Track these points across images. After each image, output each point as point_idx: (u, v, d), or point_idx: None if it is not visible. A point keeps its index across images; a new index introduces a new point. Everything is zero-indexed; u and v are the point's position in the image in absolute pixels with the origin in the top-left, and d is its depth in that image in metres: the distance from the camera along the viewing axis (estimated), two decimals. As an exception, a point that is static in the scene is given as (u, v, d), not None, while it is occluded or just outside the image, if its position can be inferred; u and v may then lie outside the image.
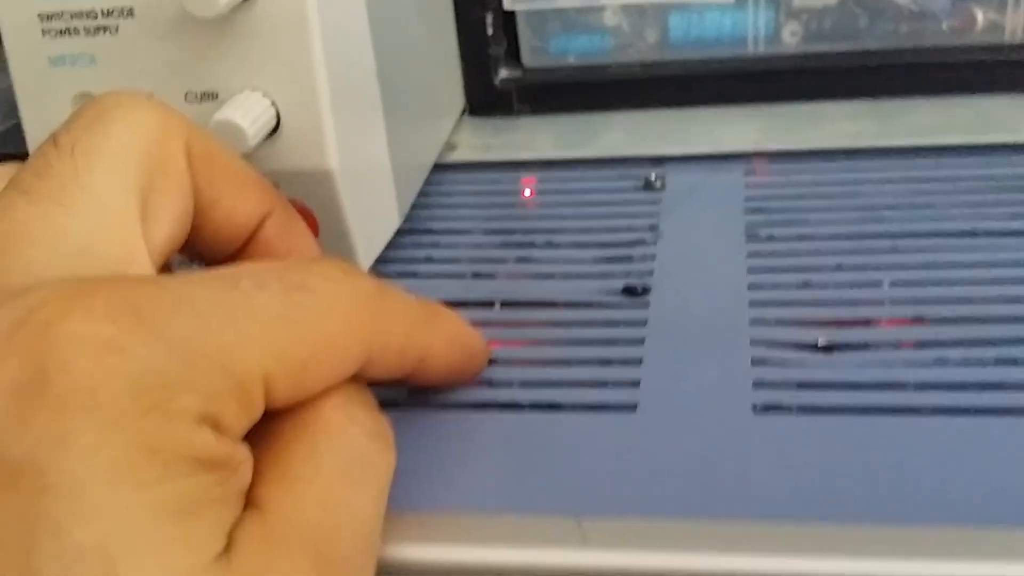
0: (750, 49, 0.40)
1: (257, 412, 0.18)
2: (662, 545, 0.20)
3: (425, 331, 0.23)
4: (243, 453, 0.18)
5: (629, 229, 0.34)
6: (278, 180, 0.28)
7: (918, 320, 0.27)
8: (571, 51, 0.41)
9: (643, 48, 0.41)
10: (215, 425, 0.17)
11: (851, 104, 0.39)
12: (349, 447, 0.20)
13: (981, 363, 0.25)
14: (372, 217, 0.31)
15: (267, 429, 0.20)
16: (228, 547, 0.17)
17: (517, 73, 0.42)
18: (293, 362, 0.19)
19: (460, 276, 0.32)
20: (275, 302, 0.19)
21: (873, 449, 0.22)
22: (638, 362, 0.26)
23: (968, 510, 0.21)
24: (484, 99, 0.42)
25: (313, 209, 0.29)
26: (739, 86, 0.40)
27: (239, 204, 0.24)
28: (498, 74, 0.42)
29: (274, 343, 0.19)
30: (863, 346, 0.26)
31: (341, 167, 0.28)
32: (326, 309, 0.20)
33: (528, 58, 0.42)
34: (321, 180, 0.28)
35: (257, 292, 0.19)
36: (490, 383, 0.26)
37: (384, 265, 0.33)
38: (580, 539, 0.21)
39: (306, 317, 0.19)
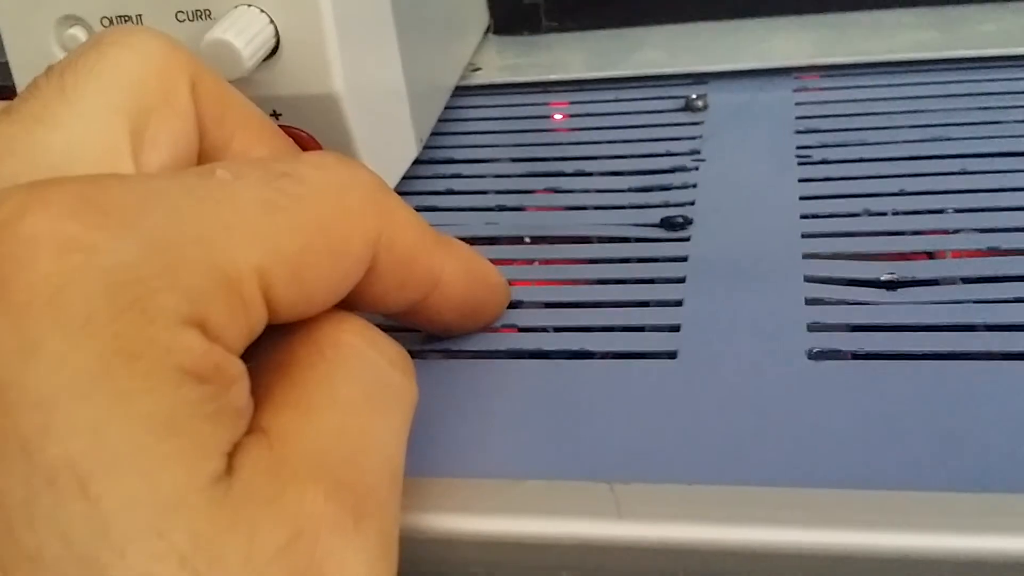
0: (800, -48, 0.36)
1: (256, 317, 0.16)
2: (705, 516, 0.18)
3: (437, 250, 0.20)
4: (237, 367, 0.16)
5: (668, 154, 0.31)
6: (278, 107, 0.26)
7: (991, 251, 0.25)
8: (603, -40, 0.38)
9: (682, -46, 0.37)
10: (202, 328, 0.15)
11: (912, 12, 0.36)
12: (369, 372, 0.18)
13: (1066, 300, 0.22)
14: (386, 146, 0.29)
15: (276, 354, 0.18)
16: (229, 472, 0.15)
17: (546, -14, 0.39)
18: (286, 253, 0.16)
19: (484, 209, 0.29)
20: (257, 188, 0.17)
21: (944, 401, 0.20)
22: (678, 304, 0.24)
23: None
24: (510, 15, 0.39)
25: (319, 139, 0.27)
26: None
27: (251, 149, 0.22)
28: (525, -12, 0.39)
29: (261, 232, 0.16)
30: (929, 282, 0.24)
31: (348, 91, 0.26)
32: (317, 194, 0.17)
33: (558, -30, 0.39)
34: (326, 106, 0.26)
35: (235, 180, 0.17)
36: (514, 327, 0.24)
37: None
38: (613, 508, 0.18)
39: (294, 203, 0.17)
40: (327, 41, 0.25)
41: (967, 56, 0.33)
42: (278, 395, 0.17)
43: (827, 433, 0.19)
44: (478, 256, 0.22)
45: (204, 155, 0.21)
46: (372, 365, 0.18)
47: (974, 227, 0.25)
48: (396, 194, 0.20)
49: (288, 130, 0.26)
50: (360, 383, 0.18)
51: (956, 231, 0.25)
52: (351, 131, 0.26)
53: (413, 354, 0.21)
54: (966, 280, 0.24)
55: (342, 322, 0.18)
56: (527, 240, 0.28)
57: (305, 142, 0.26)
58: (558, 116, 0.35)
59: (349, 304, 0.19)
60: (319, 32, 0.25)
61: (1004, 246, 0.25)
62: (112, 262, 0.15)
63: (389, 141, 0.29)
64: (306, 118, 0.26)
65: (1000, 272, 0.24)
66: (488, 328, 0.24)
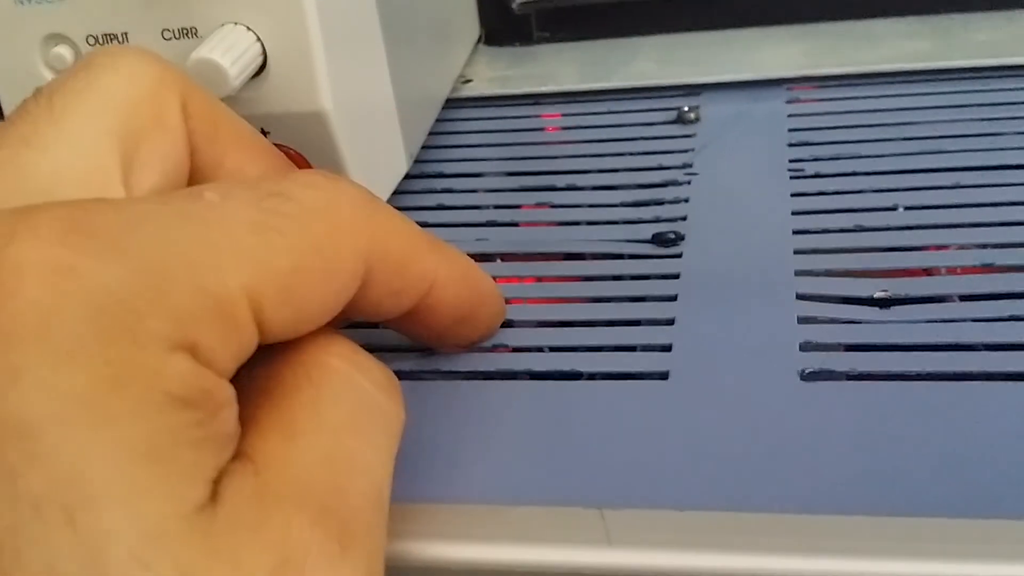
0: (793, -38, 0.36)
1: (247, 339, 0.16)
2: (698, 543, 0.18)
3: (430, 255, 0.20)
4: (226, 392, 0.16)
5: (660, 168, 0.31)
6: (267, 125, 0.26)
7: (987, 267, 0.24)
8: (595, -30, 0.38)
9: (674, -35, 0.37)
10: (192, 352, 0.15)
11: (905, 21, 0.36)
12: (356, 396, 0.18)
13: (1062, 318, 0.22)
14: (375, 162, 0.28)
15: (263, 376, 0.17)
16: (214, 499, 0.15)
17: (537, -4, 0.39)
18: (277, 274, 0.16)
19: (475, 224, 0.29)
20: (246, 209, 0.17)
21: (942, 423, 0.20)
22: (670, 323, 0.24)
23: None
24: (501, 26, 0.39)
25: (307, 157, 0.26)
26: (782, 3, 0.36)
27: (244, 168, 0.22)
28: (516, -2, 0.38)
29: (251, 253, 0.16)
30: (924, 300, 0.23)
31: (336, 108, 0.25)
32: (308, 214, 0.17)
33: (549, -20, 0.38)
34: (315, 123, 0.26)
35: (224, 202, 0.17)
36: (503, 348, 0.23)
37: (391, 214, 0.30)
38: (603, 535, 0.18)
39: (284, 223, 0.17)
40: (315, 58, 0.25)
41: (961, 66, 0.33)
42: (264, 420, 0.17)
43: (821, 457, 0.19)
44: (474, 264, 0.22)
45: (196, 174, 0.21)
46: (358, 389, 0.18)
47: (969, 242, 0.25)
48: (386, 204, 0.20)
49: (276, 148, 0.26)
50: (346, 407, 0.17)
51: (951, 247, 0.25)
52: (340, 148, 0.26)
53: (402, 375, 0.21)
54: (963, 298, 0.23)
55: (329, 345, 0.18)
56: (504, 258, 0.27)
57: (294, 160, 0.26)
58: (549, 129, 0.35)
59: (345, 314, 0.19)
60: (306, 49, 0.25)
61: (1000, 262, 0.24)
62: (100, 287, 0.14)
63: (379, 157, 0.29)
64: (295, 136, 0.26)
65: (997, 289, 0.23)
66: (479, 347, 0.23)
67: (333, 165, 0.26)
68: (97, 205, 0.16)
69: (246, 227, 0.16)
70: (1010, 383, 0.20)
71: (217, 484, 0.15)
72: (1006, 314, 0.22)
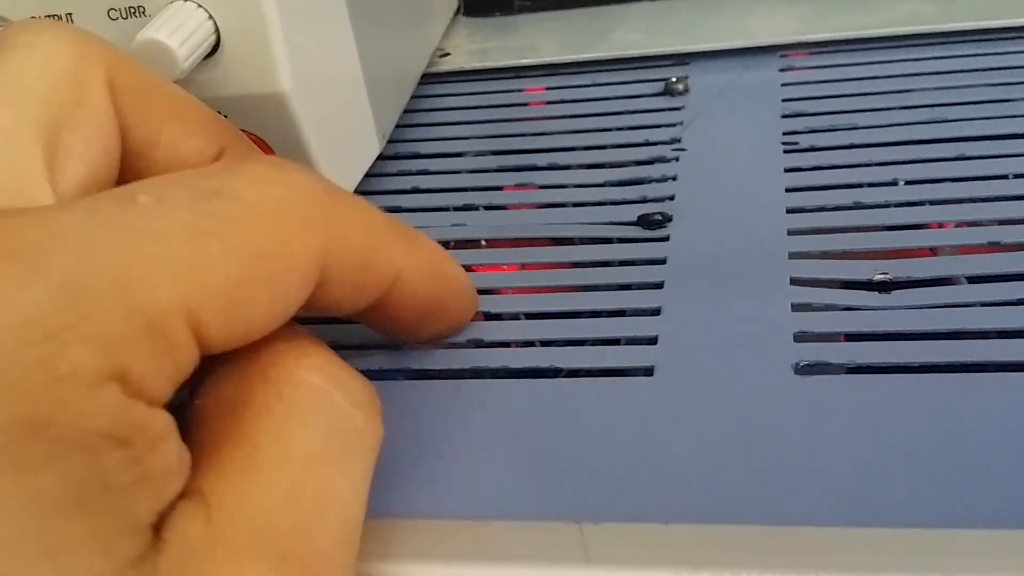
0: (785, -79, 0.34)
1: (184, 359, 0.14)
2: (683, 559, 0.16)
3: (395, 246, 0.19)
4: (161, 422, 0.14)
5: (647, 143, 0.29)
6: (224, 109, 0.24)
7: (994, 246, 0.23)
8: (578, -67, 0.36)
9: (661, -74, 0.35)
10: (122, 382, 0.13)
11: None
12: (331, 417, 0.16)
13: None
14: (343, 145, 0.27)
15: (227, 391, 0.16)
16: (156, 548, 0.13)
17: (517, -37, 0.37)
18: (217, 286, 0.15)
19: (451, 208, 0.28)
20: (184, 213, 0.15)
21: (949, 420, 0.18)
22: (656, 313, 0.22)
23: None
24: (480, -4, 0.37)
25: (268, 142, 0.25)
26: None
27: (183, 142, 0.20)
28: (495, -35, 0.37)
29: (187, 264, 0.14)
30: (928, 283, 0.22)
31: (297, 88, 0.24)
32: (253, 214, 0.16)
33: (529, -54, 0.36)
34: (274, 106, 0.24)
35: (158, 206, 0.15)
36: (478, 343, 0.22)
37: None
38: (581, 551, 0.17)
39: (226, 228, 0.15)
40: (271, 35, 0.23)
41: (965, 28, 0.31)
42: (224, 450, 0.15)
43: (817, 461, 0.18)
44: (444, 253, 0.21)
45: (130, 155, 0.19)
46: (334, 408, 0.16)
47: (975, 219, 0.24)
48: (347, 193, 0.18)
49: (233, 133, 0.24)
50: (319, 432, 0.16)
51: (955, 224, 0.24)
52: (303, 131, 0.25)
53: (369, 374, 0.19)
54: (971, 279, 0.22)
55: (303, 358, 0.16)
56: (482, 244, 0.26)
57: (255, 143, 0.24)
58: (531, 103, 0.33)
59: (304, 309, 0.17)
60: (262, 26, 0.23)
61: (1008, 240, 0.23)
62: (16, 316, 0.13)
63: (347, 139, 0.27)
64: (254, 120, 0.24)
65: (1005, 269, 0.22)
66: (452, 341, 0.22)
67: (296, 150, 0.25)
68: (12, 219, 0.14)
69: (183, 235, 0.15)
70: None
71: (161, 528, 0.14)
72: (1016, 297, 0.21)
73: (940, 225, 0.24)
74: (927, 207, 0.24)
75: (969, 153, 0.26)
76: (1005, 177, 0.25)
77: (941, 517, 0.16)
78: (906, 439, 0.18)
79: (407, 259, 0.19)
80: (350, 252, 0.17)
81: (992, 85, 0.29)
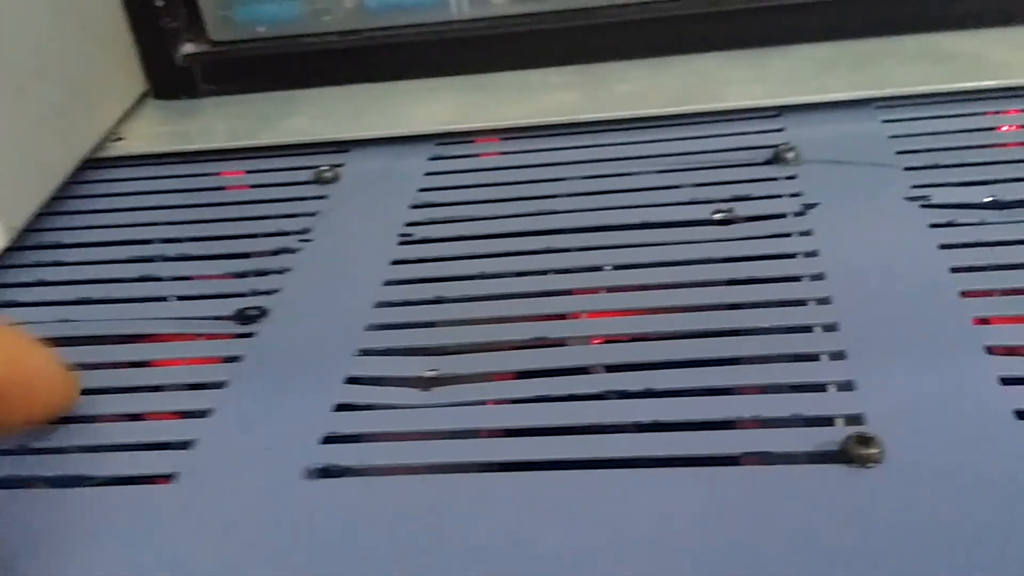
0: (453, 12, 0.35)
1: None
2: None
3: None
4: None
5: (279, 234, 0.29)
6: None
7: (540, 342, 0.24)
8: (260, 20, 0.36)
9: (339, 15, 0.36)
10: None
11: (558, 71, 0.35)
12: None
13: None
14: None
15: None
16: None
17: (203, 48, 0.37)
18: None
19: (63, 303, 0.27)
20: None
21: (459, 523, 0.19)
22: (203, 415, 0.22)
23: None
24: (166, 79, 0.37)
25: None
26: (441, 55, 0.36)
27: None
28: (179, 50, 0.37)
29: None
30: (462, 379, 0.23)
31: None
32: None
33: (214, 30, 0.37)
34: None
35: None
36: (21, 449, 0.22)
37: (-23, 293, 0.28)
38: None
39: None
40: None
41: (602, 119, 0.32)
42: None
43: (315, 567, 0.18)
44: (22, 342, 0.21)
45: None
46: None
47: (526, 314, 0.25)
48: None
49: None
50: None
51: (513, 319, 0.25)
52: None
53: None
54: (519, 375, 0.23)
55: None
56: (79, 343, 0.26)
57: None
58: (192, 189, 0.33)
59: None
60: None
61: (551, 335, 0.24)
62: None
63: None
64: None
65: (553, 364, 0.23)
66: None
67: None
68: None
69: None
70: (551, 473, 0.20)
71: None
72: (535, 393, 0.22)
73: (499, 320, 0.25)
74: (507, 301, 0.25)
75: (564, 245, 0.27)
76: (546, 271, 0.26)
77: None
78: (413, 539, 0.18)
79: None
80: None
81: (602, 177, 0.30)
